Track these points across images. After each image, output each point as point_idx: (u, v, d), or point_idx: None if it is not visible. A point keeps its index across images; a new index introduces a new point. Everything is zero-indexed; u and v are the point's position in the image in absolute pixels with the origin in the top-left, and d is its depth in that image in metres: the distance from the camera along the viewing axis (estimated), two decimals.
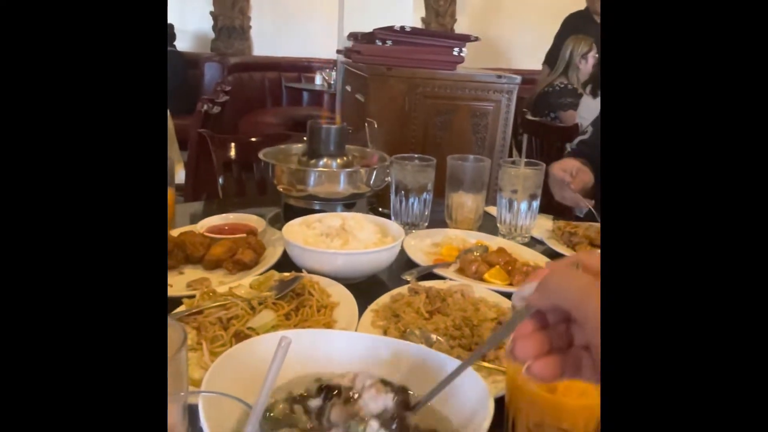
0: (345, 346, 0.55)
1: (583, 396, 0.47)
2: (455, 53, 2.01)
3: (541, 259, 0.98)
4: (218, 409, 0.38)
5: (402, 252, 0.97)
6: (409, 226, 1.12)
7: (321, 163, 1.05)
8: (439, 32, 2.42)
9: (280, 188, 1.04)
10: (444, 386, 0.46)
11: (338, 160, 1.06)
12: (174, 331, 0.41)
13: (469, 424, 0.45)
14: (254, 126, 3.73)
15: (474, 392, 0.47)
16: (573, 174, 1.12)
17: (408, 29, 2.04)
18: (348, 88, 2.43)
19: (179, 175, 2.39)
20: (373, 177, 1.04)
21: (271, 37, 4.87)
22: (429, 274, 0.92)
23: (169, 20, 4.29)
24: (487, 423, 0.42)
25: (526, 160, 1.13)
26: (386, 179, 1.11)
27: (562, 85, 2.98)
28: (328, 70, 4.18)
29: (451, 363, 0.52)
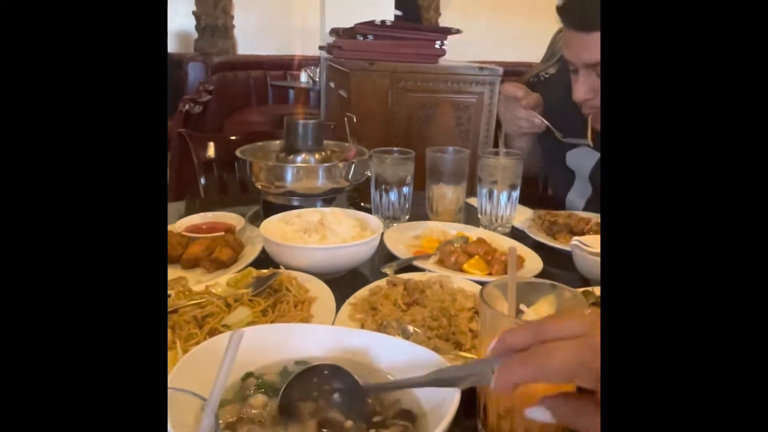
0: (318, 339, 0.55)
1: None
2: (437, 46, 2.00)
3: (522, 250, 0.98)
4: (181, 404, 0.38)
5: (383, 245, 0.97)
6: (390, 219, 1.11)
7: (299, 158, 1.05)
8: (420, 26, 2.42)
9: (258, 185, 1.04)
10: (402, 387, 0.46)
11: (316, 156, 1.06)
12: None
13: (438, 409, 0.45)
14: (240, 125, 3.71)
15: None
16: (524, 93, 1.14)
17: (389, 23, 2.03)
18: (331, 84, 2.42)
19: None
20: (352, 171, 1.04)
21: (254, 35, 4.84)
22: (409, 267, 0.92)
23: None
24: (453, 408, 0.42)
25: (505, 150, 1.13)
26: (366, 173, 1.10)
27: (548, 75, 2.98)
28: (313, 67, 4.16)
29: (424, 354, 0.52)
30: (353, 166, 1.04)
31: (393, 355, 0.54)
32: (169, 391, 0.38)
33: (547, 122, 1.15)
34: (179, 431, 0.37)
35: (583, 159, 1.21)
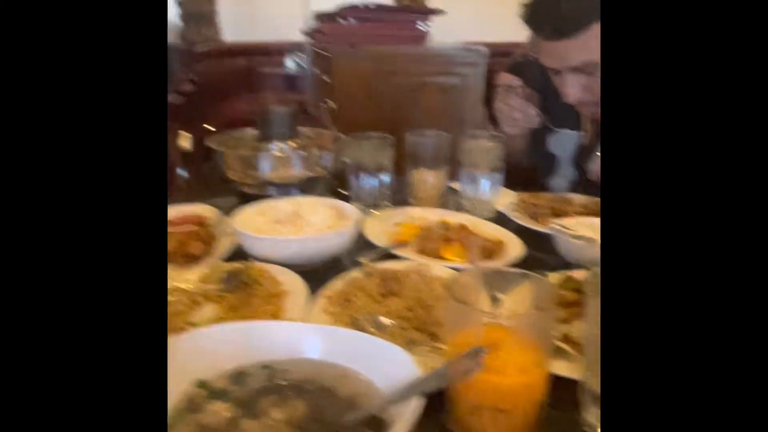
0: (280, 339, 0.53)
1: (522, 374, 0.45)
2: (420, 28, 1.96)
3: (504, 234, 0.96)
4: None
5: (362, 234, 0.95)
6: (371, 206, 1.09)
7: (273, 147, 1.02)
8: (402, 7, 2.38)
9: (233, 176, 1.01)
10: (380, 407, 0.44)
11: (291, 143, 1.03)
12: None
13: (404, 414, 0.43)
14: (226, 115, 3.65)
15: (406, 375, 0.45)
16: (520, 83, 1.11)
17: (372, 6, 1.99)
18: (317, 70, 2.38)
19: None
20: (329, 158, 1.01)
21: (240, 22, 4.75)
22: (389, 255, 0.89)
23: None
24: (412, 416, 0.40)
25: (488, 132, 1.10)
26: (344, 160, 1.07)
27: (536, 56, 2.94)
28: (300, 53, 4.10)
29: (392, 351, 0.49)
30: (330, 153, 1.01)
31: (361, 353, 0.51)
32: None
33: (542, 115, 1.12)
34: None
35: (566, 143, 1.19)
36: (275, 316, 0.69)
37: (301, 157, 0.98)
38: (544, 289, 0.49)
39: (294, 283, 0.76)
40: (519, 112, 1.11)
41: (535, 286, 0.51)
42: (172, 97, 2.07)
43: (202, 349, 0.51)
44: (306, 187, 1.04)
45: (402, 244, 0.93)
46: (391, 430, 0.39)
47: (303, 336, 0.53)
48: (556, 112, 1.13)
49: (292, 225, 0.87)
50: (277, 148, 1.02)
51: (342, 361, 0.52)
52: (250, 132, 1.10)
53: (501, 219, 1.07)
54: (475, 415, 0.46)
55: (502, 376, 0.45)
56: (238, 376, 0.50)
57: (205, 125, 1.43)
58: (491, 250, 0.90)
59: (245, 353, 0.52)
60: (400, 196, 1.14)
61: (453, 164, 1.14)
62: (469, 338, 0.45)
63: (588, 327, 0.51)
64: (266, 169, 0.98)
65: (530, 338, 0.47)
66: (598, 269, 0.53)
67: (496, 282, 0.53)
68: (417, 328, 0.68)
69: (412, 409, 0.40)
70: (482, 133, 1.10)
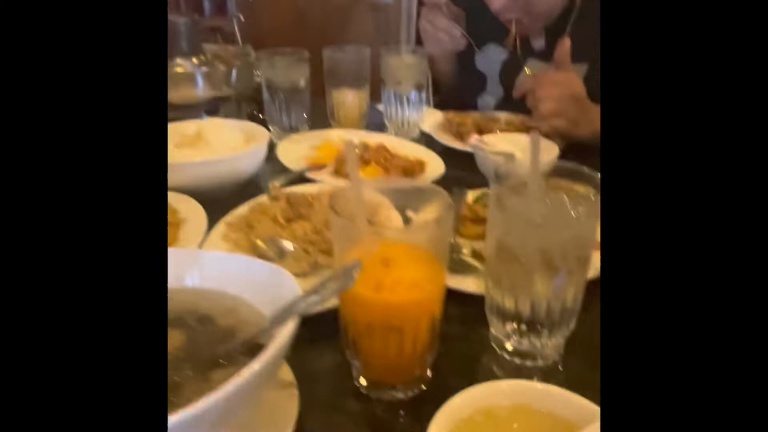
0: (172, 264, 0.47)
1: (413, 291, 0.42)
2: None
3: (425, 154, 0.92)
4: None
5: (277, 159, 0.89)
6: (289, 129, 1.02)
7: (173, 64, 0.92)
8: None
9: None
10: (259, 334, 0.40)
11: (194, 60, 0.93)
12: None
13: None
14: None
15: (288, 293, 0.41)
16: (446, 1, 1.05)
17: None
18: None
19: None
20: (236, 76, 0.92)
21: None
22: (304, 180, 0.84)
23: None
24: (285, 337, 0.36)
25: (409, 47, 1.03)
26: (255, 79, 0.99)
27: None
28: None
29: (269, 269, 0.45)
30: (236, 71, 0.92)
31: (243, 278, 0.47)
32: None
33: (467, 36, 1.05)
34: None
35: (493, 61, 1.14)
36: (169, 245, 0.63)
37: (204, 74, 0.89)
38: (442, 201, 0.46)
39: (192, 211, 0.70)
40: (444, 32, 1.04)
41: (436, 199, 0.47)
42: None
43: None
44: (214, 109, 0.96)
45: (318, 167, 0.87)
46: (263, 353, 0.36)
47: (181, 263, 0.48)
48: (483, 27, 1.07)
49: (193, 149, 0.79)
50: (177, 64, 0.92)
51: (227, 288, 0.47)
52: None
53: (426, 140, 1.03)
54: (368, 335, 0.43)
55: (391, 293, 0.41)
56: None
57: None
58: (411, 170, 0.86)
59: None
60: (320, 118, 1.07)
61: (376, 83, 1.08)
62: (358, 256, 0.41)
63: (488, 241, 0.48)
64: (167, 88, 0.88)
65: (425, 253, 0.43)
66: (501, 184, 0.49)
67: (409, 201, 0.49)
68: (324, 251, 0.64)
69: (285, 331, 0.36)
70: (405, 48, 1.03)
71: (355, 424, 0.44)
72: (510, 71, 1.11)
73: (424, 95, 1.04)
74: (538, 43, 1.06)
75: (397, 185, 0.50)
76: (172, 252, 0.52)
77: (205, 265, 0.48)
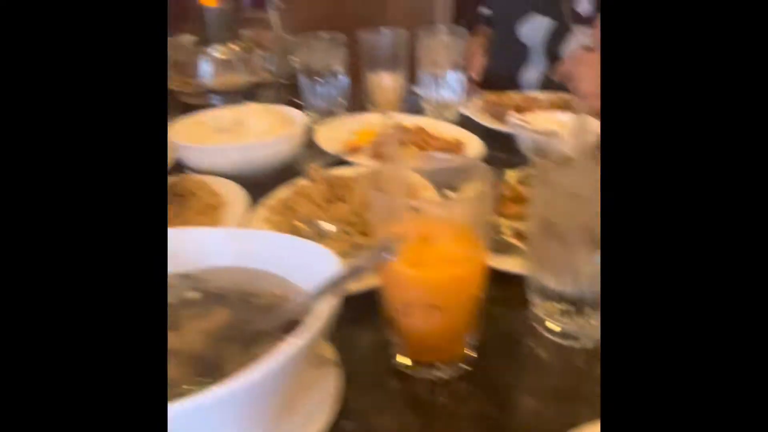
0: (195, 246, 0.48)
1: (453, 268, 0.41)
2: None
3: (463, 135, 0.91)
4: None
5: (314, 143, 0.89)
6: (325, 114, 1.02)
7: (212, 50, 0.93)
8: None
9: (172, 86, 0.93)
10: (298, 309, 0.40)
11: (232, 46, 0.94)
12: None
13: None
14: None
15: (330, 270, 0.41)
16: None
17: None
18: None
19: None
20: (274, 61, 0.93)
21: None
22: (342, 163, 0.84)
23: None
24: (326, 314, 0.36)
25: (448, 26, 1.01)
26: (294, 65, 0.99)
27: None
28: None
29: (309, 247, 0.45)
30: (276, 57, 0.93)
31: (288, 255, 0.47)
32: None
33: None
34: None
35: (537, 30, 1.10)
36: (211, 226, 0.64)
37: (243, 60, 0.90)
38: (482, 178, 0.45)
39: (234, 194, 0.71)
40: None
41: (476, 176, 0.46)
42: None
43: None
44: (252, 94, 0.97)
45: (355, 150, 0.87)
46: (302, 328, 0.36)
47: (222, 242, 0.49)
48: None
49: (233, 134, 0.80)
50: (217, 51, 0.93)
51: (267, 266, 0.48)
52: (188, 38, 1.01)
53: (465, 122, 1.01)
54: (408, 313, 0.43)
55: (432, 270, 0.41)
56: None
57: None
58: (450, 150, 0.85)
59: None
60: (357, 102, 1.07)
61: (413, 65, 1.07)
62: (397, 232, 0.41)
63: (531, 219, 0.47)
64: (207, 75, 0.90)
65: (465, 231, 0.42)
66: (544, 161, 0.48)
67: (448, 179, 0.48)
68: (363, 233, 0.64)
69: (326, 305, 0.36)
70: (441, 27, 1.01)
71: (396, 403, 0.44)
72: (556, 40, 1.08)
73: (461, 76, 1.02)
74: (584, 7, 1.02)
75: (436, 162, 0.49)
76: (213, 231, 0.53)
77: (245, 244, 0.48)
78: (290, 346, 0.34)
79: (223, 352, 0.40)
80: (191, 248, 0.48)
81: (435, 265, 0.41)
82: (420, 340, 0.44)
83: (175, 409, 0.33)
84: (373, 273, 0.37)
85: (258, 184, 0.74)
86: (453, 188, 0.50)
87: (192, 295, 0.46)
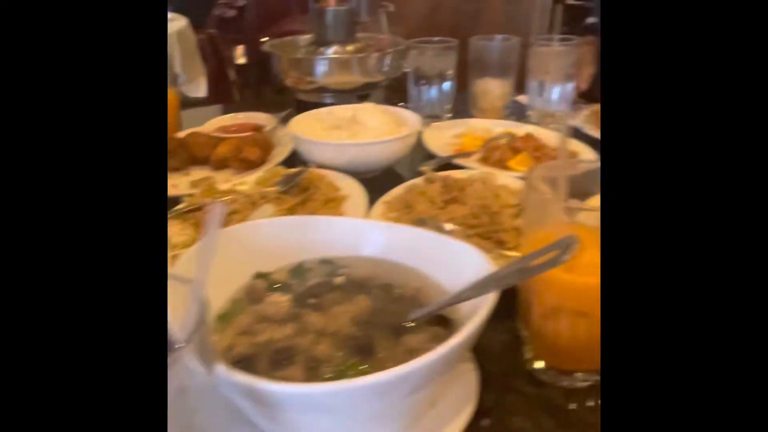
0: (343, 235, 0.50)
1: None
2: None
3: (575, 145, 0.89)
4: (176, 295, 0.34)
5: (421, 145, 0.90)
6: (430, 117, 1.03)
7: (329, 51, 0.96)
8: None
9: (288, 82, 0.97)
10: (445, 306, 0.41)
11: (348, 47, 0.97)
12: None
13: (474, 312, 0.40)
14: (280, 35, 3.57)
15: (479, 271, 0.41)
16: None
17: None
18: None
19: (202, 89, 2.33)
20: (387, 63, 0.95)
21: None
22: (450, 167, 0.85)
23: None
24: (485, 311, 0.36)
25: (561, 36, 1.00)
26: (403, 69, 1.01)
27: None
28: None
29: (456, 245, 0.46)
30: (389, 58, 0.95)
31: (429, 251, 0.48)
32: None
33: None
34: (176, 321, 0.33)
35: None
36: None
37: (359, 61, 0.93)
38: None
39: (352, 189, 0.73)
40: None
41: None
42: (222, 11, 2.02)
43: (261, 242, 0.49)
44: (363, 94, 0.99)
45: (465, 154, 0.88)
46: (465, 324, 0.36)
47: (365, 232, 0.50)
48: None
49: (349, 131, 0.83)
50: (333, 51, 0.96)
51: (405, 260, 0.49)
52: (306, 38, 1.05)
53: (573, 132, 0.99)
54: (552, 318, 0.43)
55: (585, 276, 0.40)
56: (298, 270, 0.49)
57: (260, 39, 1.38)
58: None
59: (305, 247, 0.49)
60: (459, 109, 1.07)
61: (521, 73, 1.06)
62: (551, 236, 0.41)
63: None
64: (321, 73, 0.93)
65: None
66: None
67: (576, 186, 0.48)
68: (481, 236, 0.64)
69: (488, 303, 0.37)
70: (554, 36, 1.00)
71: (532, 407, 0.44)
72: None
73: (571, 86, 1.00)
74: None
75: (582, 167, 0.49)
76: (354, 221, 0.55)
77: (387, 236, 0.50)
78: (454, 340, 0.35)
79: (374, 337, 0.41)
80: (335, 235, 0.50)
81: (588, 271, 0.40)
82: (561, 346, 0.43)
83: (340, 386, 0.34)
84: (538, 274, 0.37)
85: (366, 181, 0.75)
86: (582, 196, 0.49)
87: (330, 280, 0.48)
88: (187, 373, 0.28)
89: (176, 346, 0.27)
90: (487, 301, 0.37)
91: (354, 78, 0.94)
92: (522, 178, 0.74)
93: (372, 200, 0.72)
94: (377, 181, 0.81)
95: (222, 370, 0.32)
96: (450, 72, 0.99)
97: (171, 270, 0.40)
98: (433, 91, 1.01)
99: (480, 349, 0.47)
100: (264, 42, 1.04)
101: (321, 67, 0.93)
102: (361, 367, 0.39)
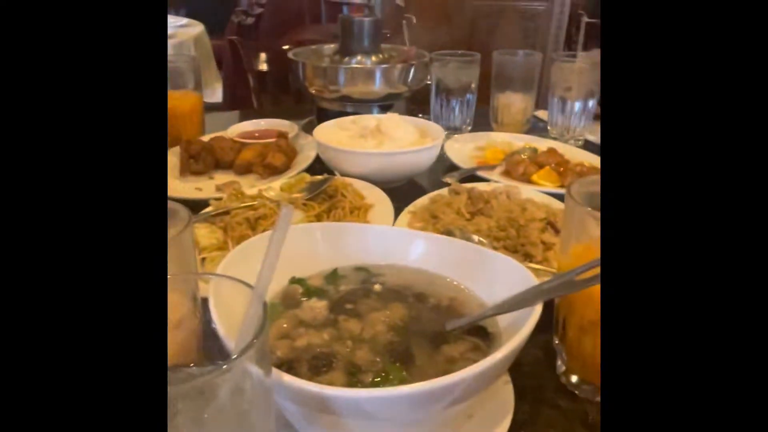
0: (376, 242, 0.50)
1: None
2: None
3: (597, 160, 0.89)
4: (228, 296, 0.34)
5: (443, 156, 0.91)
6: (452, 130, 1.03)
7: (354, 60, 0.97)
8: None
9: (312, 90, 0.97)
10: (493, 314, 0.41)
11: (372, 58, 0.98)
12: (177, 212, 0.37)
13: (514, 325, 0.40)
14: (294, 44, 3.59)
15: (519, 284, 0.41)
16: None
17: None
18: None
19: (217, 94, 2.35)
20: (411, 74, 0.96)
21: None
22: (472, 178, 0.85)
23: None
24: (530, 326, 0.36)
25: (583, 53, 1.01)
26: (426, 80, 1.02)
27: None
28: None
29: (495, 257, 0.46)
30: (413, 69, 0.95)
31: (465, 262, 0.48)
32: (216, 279, 0.35)
33: None
34: (226, 321, 0.33)
35: None
36: None
37: (382, 71, 0.93)
38: None
39: (378, 197, 0.73)
40: None
41: None
42: (241, 19, 2.04)
43: (296, 248, 0.49)
44: (385, 105, 1.00)
45: (488, 166, 0.88)
46: (503, 335, 0.36)
47: (399, 241, 0.50)
48: None
49: (375, 140, 0.83)
50: (358, 61, 0.97)
51: (440, 269, 0.49)
52: (331, 47, 1.06)
53: (592, 149, 0.99)
54: (591, 332, 0.42)
55: None
56: (333, 276, 0.49)
57: (275, 46, 1.39)
58: (588, 175, 0.83)
59: (339, 254, 0.50)
60: (479, 123, 1.08)
61: (542, 88, 1.07)
62: (591, 250, 0.41)
63: None
64: (345, 82, 0.94)
65: None
66: None
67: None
68: (508, 248, 0.64)
69: (533, 315, 0.37)
70: (577, 53, 1.01)
71: (568, 420, 0.44)
72: None
73: (593, 102, 1.01)
74: None
75: None
76: (389, 229, 0.55)
77: (422, 245, 0.50)
78: (501, 352, 0.35)
79: (411, 345, 0.41)
80: (370, 243, 0.50)
81: None
82: (598, 360, 0.43)
83: (388, 392, 0.34)
84: (583, 287, 0.37)
85: (389, 191, 0.76)
86: None
87: (365, 287, 0.48)
88: (243, 375, 0.28)
89: (236, 349, 0.27)
90: (532, 314, 0.37)
91: (377, 88, 0.94)
92: (549, 194, 0.74)
93: (395, 210, 0.72)
94: (399, 191, 0.81)
95: (276, 372, 0.32)
96: (473, 85, 1.00)
97: (225, 270, 0.40)
98: (454, 103, 1.01)
99: (514, 362, 0.47)
100: (287, 50, 1.05)
101: (345, 76, 0.93)
102: (402, 374, 0.39)
